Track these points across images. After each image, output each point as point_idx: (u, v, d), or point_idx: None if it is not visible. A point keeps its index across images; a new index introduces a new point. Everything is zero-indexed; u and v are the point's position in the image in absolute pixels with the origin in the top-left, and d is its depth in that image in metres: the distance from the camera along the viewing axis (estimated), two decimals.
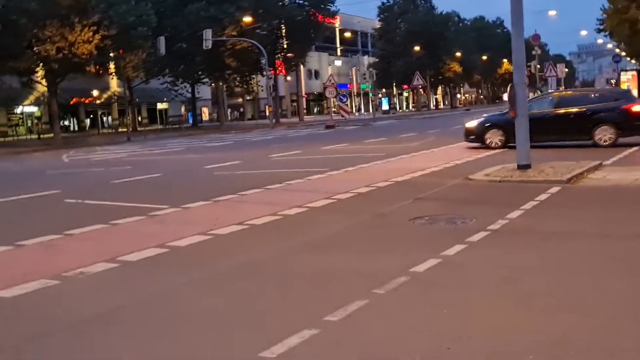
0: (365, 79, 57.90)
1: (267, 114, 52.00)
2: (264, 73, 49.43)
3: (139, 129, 50.62)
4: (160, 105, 62.74)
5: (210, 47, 42.26)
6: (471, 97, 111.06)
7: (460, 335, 4.23)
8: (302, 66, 64.89)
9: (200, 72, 51.92)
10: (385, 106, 76.17)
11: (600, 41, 67.12)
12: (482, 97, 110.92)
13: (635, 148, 15.95)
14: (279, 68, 55.97)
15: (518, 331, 4.27)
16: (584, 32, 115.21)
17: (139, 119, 57.05)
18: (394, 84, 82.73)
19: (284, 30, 53.24)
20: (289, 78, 66.92)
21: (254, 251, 6.98)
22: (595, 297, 4.93)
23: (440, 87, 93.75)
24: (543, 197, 9.48)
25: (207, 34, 41.54)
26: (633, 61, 52.39)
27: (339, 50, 78.47)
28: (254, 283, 5.76)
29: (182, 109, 51.25)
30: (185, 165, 18.69)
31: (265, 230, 8.08)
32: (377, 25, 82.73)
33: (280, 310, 4.96)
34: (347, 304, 4.85)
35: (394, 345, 4.18)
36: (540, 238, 7.04)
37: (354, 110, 79.29)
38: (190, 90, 53.85)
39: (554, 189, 10.11)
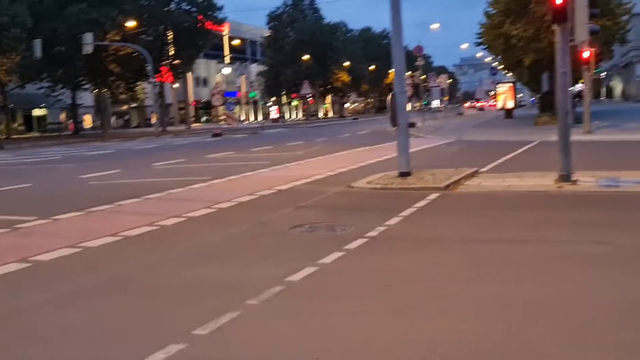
0: (254, 87, 57.70)
1: (153, 121, 50.66)
2: (150, 80, 48.15)
3: (13, 136, 47.84)
4: (37, 112, 59.67)
5: (91, 51, 40.60)
6: (360, 106, 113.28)
7: (331, 346, 4.14)
8: (190, 73, 63.83)
9: (81, 78, 49.77)
10: (274, 114, 76.24)
11: (479, 54, 70.16)
12: (370, 106, 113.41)
13: (515, 153, 16.72)
14: (166, 75, 54.68)
15: (390, 339, 4.23)
16: (465, 46, 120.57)
17: (15, 125, 53.99)
18: (284, 92, 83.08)
19: (170, 37, 52.08)
20: (176, 85, 65.59)
21: (125, 264, 6.63)
22: (465, 302, 4.98)
23: (329, 96, 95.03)
24: (422, 203, 9.65)
25: (87, 37, 39.88)
26: (509, 74, 55.13)
27: (228, 57, 77.82)
28: (120, 298, 5.44)
29: (62, 115, 48.95)
30: (60, 175, 17.76)
31: (140, 242, 7.72)
32: (267, 33, 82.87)
33: (146, 326, 4.69)
34: (218, 316, 4.66)
35: (262, 357, 4.03)
36: (416, 244, 7.11)
37: (242, 119, 78.85)
38: (71, 96, 51.59)
39: (433, 196, 10.33)
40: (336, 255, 6.51)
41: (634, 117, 33.45)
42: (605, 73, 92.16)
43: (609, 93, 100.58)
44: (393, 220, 8.29)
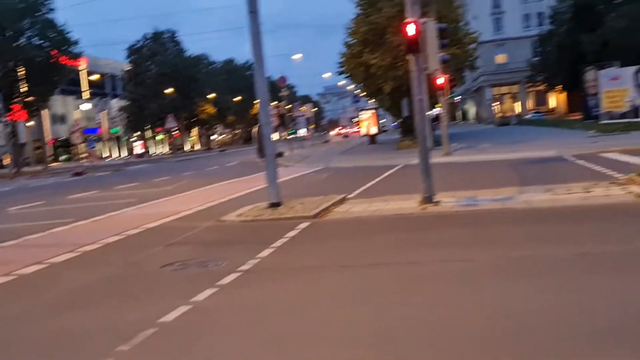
0: (116, 122, 55.96)
1: (6, 163, 47.72)
2: (0, 119, 45.40)
3: None
4: None
5: None
6: (227, 138, 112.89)
7: None
8: (45, 110, 60.87)
9: None
10: (138, 150, 74.21)
11: (342, 83, 72.25)
12: (237, 137, 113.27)
13: (380, 177, 17.25)
14: (18, 113, 51.74)
15: None
16: (327, 75, 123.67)
17: None
18: (148, 126, 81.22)
19: (22, 73, 49.45)
20: (31, 123, 62.27)
21: None
22: (339, 329, 5.04)
23: (195, 129, 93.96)
24: (293, 233, 9.72)
25: None
26: (371, 101, 57.09)
27: (86, 93, 75.03)
28: None
29: None
30: None
31: None
32: (127, 67, 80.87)
33: None
34: None
35: None
36: (289, 274, 7.13)
37: (105, 156, 76.15)
38: None
39: (303, 225, 10.44)
40: (209, 292, 6.40)
41: (487, 138, 35.64)
42: (459, 97, 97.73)
43: (464, 116, 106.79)
44: (265, 252, 8.28)
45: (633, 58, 42.53)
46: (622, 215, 9.15)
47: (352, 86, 49.24)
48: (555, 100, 78.38)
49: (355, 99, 50.14)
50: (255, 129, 12.73)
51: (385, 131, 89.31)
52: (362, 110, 53.26)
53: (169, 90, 74.33)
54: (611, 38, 47.46)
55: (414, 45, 11.24)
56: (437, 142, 28.69)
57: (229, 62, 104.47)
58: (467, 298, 5.65)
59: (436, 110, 37.87)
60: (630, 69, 33.67)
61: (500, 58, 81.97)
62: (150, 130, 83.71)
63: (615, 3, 50.22)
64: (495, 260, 6.94)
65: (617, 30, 46.80)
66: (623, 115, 32.87)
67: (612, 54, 45.55)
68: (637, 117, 32.21)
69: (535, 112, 74.32)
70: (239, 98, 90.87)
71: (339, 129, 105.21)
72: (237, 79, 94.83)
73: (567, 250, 7.08)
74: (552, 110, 78.48)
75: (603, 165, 15.71)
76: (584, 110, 47.34)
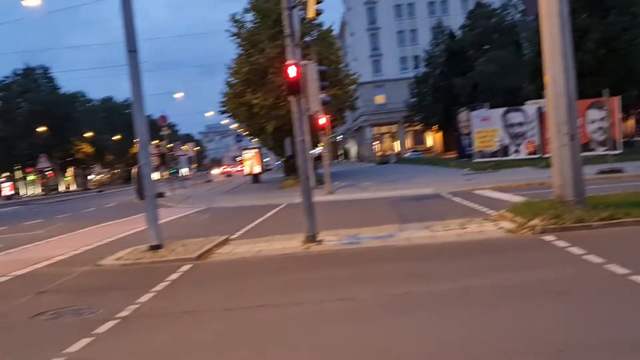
0: None
1: None
2: None
3: None
4: None
5: None
6: (105, 178, 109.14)
7: None
8: None
9: None
10: (7, 191, 70.17)
11: (225, 121, 72.03)
12: (116, 177, 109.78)
13: (264, 217, 17.17)
14: None
15: None
16: (210, 113, 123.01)
17: None
18: (18, 166, 77.14)
19: None
20: None
21: None
22: None
23: (70, 169, 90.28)
24: (174, 276, 9.46)
25: None
26: (255, 140, 57.17)
27: None
28: None
29: None
30: None
31: None
32: None
33: None
34: None
35: None
36: (170, 320, 6.90)
37: None
38: None
39: (185, 267, 10.19)
40: (84, 341, 6.08)
41: (368, 176, 36.53)
42: (341, 136, 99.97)
43: (346, 154, 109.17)
44: (145, 297, 7.99)
45: (501, 100, 45.37)
46: (494, 250, 9.59)
47: (235, 125, 49.12)
48: (432, 139, 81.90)
49: (238, 137, 50.09)
50: (134, 169, 12.24)
51: (269, 170, 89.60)
52: (245, 149, 53.14)
53: (42, 129, 71.13)
54: (481, 81, 50.43)
55: (295, 87, 11.39)
56: (320, 181, 29.07)
57: (108, 100, 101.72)
58: (349, 337, 5.68)
59: (318, 149, 38.49)
60: (499, 111, 35.70)
61: (380, 99, 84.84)
62: (20, 171, 79.58)
63: (485, 49, 53.50)
64: (377, 297, 7.04)
65: (486, 73, 49.80)
66: (494, 154, 34.72)
67: (482, 96, 48.35)
68: (506, 155, 34.13)
69: (414, 151, 77.29)
70: (118, 137, 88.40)
71: (224, 168, 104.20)
72: (116, 117, 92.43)
73: (444, 285, 7.30)
74: (429, 148, 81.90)
75: (476, 202, 16.47)
76: (458, 149, 49.66)
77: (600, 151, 26.15)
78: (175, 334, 6.32)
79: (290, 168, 36.23)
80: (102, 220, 22.25)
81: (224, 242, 12.65)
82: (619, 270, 7.19)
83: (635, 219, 10.34)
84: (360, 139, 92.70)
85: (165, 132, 38.13)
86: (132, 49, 12.06)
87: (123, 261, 11.25)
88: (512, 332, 5.41)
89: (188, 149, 50.64)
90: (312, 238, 11.43)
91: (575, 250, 8.63)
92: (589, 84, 31.16)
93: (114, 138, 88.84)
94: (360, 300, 6.99)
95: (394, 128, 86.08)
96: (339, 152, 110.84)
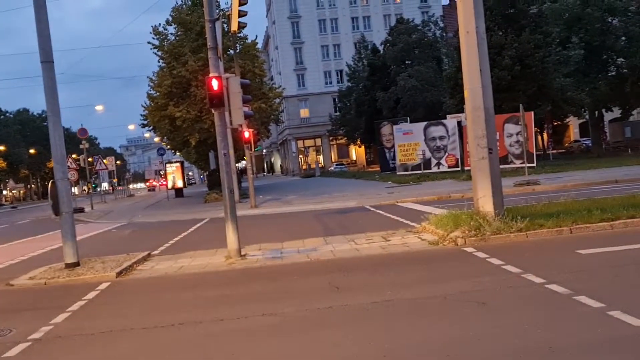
0: None
1: None
2: None
3: None
4: None
5: None
6: (19, 193, 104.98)
7: None
8: None
9: None
10: None
11: (147, 135, 70.56)
12: (32, 192, 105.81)
13: (187, 232, 16.83)
14: None
15: None
16: (131, 127, 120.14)
17: None
18: None
19: None
20: None
21: None
22: None
23: None
24: (92, 295, 9.13)
25: None
26: (177, 153, 56.28)
27: None
28: None
29: None
30: None
31: None
32: None
33: None
34: None
35: None
36: (86, 341, 6.63)
37: None
38: None
39: (104, 285, 9.86)
40: None
41: (293, 190, 36.53)
42: (265, 150, 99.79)
43: (271, 168, 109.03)
44: (60, 317, 7.67)
45: (423, 114, 46.41)
46: (417, 262, 9.71)
47: (158, 138, 48.23)
48: (356, 152, 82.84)
49: (161, 151, 49.06)
50: (50, 184, 11.76)
51: (193, 184, 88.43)
52: (168, 162, 52.21)
53: None
54: (403, 95, 51.40)
55: (218, 100, 11.26)
56: (244, 195, 28.86)
57: (23, 113, 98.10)
58: (270, 352, 5.60)
59: (244, 163, 38.26)
60: (421, 125, 36.50)
61: (304, 112, 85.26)
62: None
63: (407, 64, 54.60)
64: (300, 312, 6.98)
65: (408, 88, 50.81)
66: (416, 167, 35.41)
67: (404, 110, 49.31)
68: (429, 168, 34.87)
69: (338, 164, 77.90)
70: (33, 150, 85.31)
71: (149, 183, 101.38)
72: (32, 130, 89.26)
73: (368, 298, 7.31)
74: (354, 162, 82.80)
75: (400, 215, 16.69)
76: (381, 162, 50.40)
77: (517, 164, 27.05)
78: (91, 355, 6.07)
79: (214, 182, 35.81)
80: (15, 237, 21.33)
81: (145, 259, 12.32)
82: (536, 279, 7.40)
83: (550, 229, 10.71)
84: (285, 152, 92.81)
85: (84, 145, 37.00)
86: (46, 60, 11.65)
87: (37, 280, 10.78)
88: (434, 344, 5.46)
89: (109, 162, 49.34)
90: (235, 253, 11.29)
91: (495, 260, 8.84)
92: (505, 99, 32.30)
93: (30, 151, 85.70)
94: (283, 315, 6.91)
95: (318, 141, 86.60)
96: (264, 166, 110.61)
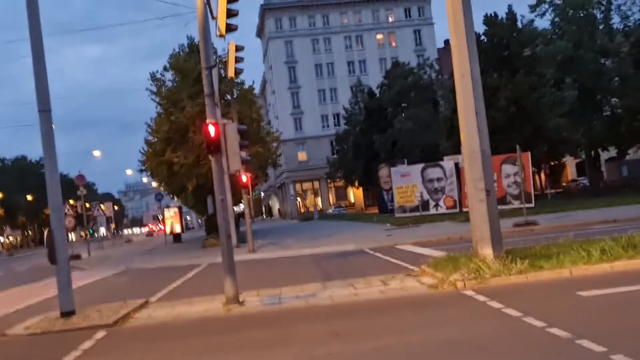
0: None
1: None
2: None
3: None
4: None
5: None
6: (16, 240, 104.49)
7: None
8: None
9: None
10: None
11: (145, 180, 70.72)
12: (30, 239, 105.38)
13: (185, 278, 16.69)
14: None
15: None
16: (129, 172, 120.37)
17: None
18: None
19: None
20: None
21: None
22: None
23: None
24: (87, 345, 8.99)
25: None
26: (175, 198, 56.31)
27: None
28: None
29: None
30: None
31: None
32: None
33: None
34: None
35: None
36: None
37: None
38: None
39: (100, 334, 9.73)
40: None
41: (291, 234, 36.43)
42: (263, 194, 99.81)
43: (269, 211, 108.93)
44: None
45: (419, 156, 46.60)
46: (416, 307, 9.61)
47: (156, 184, 48.29)
48: (354, 194, 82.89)
49: (158, 197, 49.09)
50: (46, 232, 11.72)
51: (191, 229, 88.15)
52: (165, 208, 52.17)
53: None
54: (400, 138, 51.73)
55: (215, 146, 11.30)
56: (242, 239, 28.75)
57: (21, 160, 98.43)
58: None
59: (241, 207, 38.23)
60: (418, 167, 36.58)
61: (302, 155, 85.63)
62: None
63: (403, 107, 55.10)
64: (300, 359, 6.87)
65: (404, 131, 51.17)
66: (414, 209, 35.35)
67: (401, 152, 49.55)
68: (427, 210, 34.82)
69: (337, 207, 77.89)
70: (30, 197, 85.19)
71: (148, 228, 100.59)
72: (29, 176, 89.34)
73: (367, 344, 7.22)
74: (352, 204, 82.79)
75: (398, 258, 16.59)
76: (379, 204, 50.40)
77: (515, 204, 27.03)
78: None
79: (212, 227, 35.68)
80: (11, 285, 21.18)
81: (142, 306, 12.18)
82: (536, 322, 7.31)
83: (550, 270, 10.64)
84: (283, 195, 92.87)
85: (82, 192, 37.00)
86: (44, 109, 11.71)
87: (32, 330, 10.63)
88: None
89: (106, 208, 49.25)
90: (233, 299, 11.18)
91: (494, 304, 8.75)
92: (502, 140, 32.45)
93: (27, 198, 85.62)
94: None
95: (316, 184, 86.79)
96: (262, 209, 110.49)
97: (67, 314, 11.24)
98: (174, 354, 7.98)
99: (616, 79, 42.46)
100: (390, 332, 7.83)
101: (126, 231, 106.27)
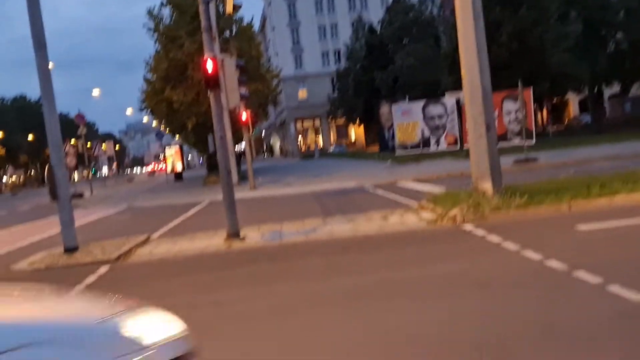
0: None
1: None
2: None
3: None
4: None
5: None
6: (19, 180, 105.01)
7: None
8: None
9: None
10: None
11: (146, 119, 70.35)
12: (32, 178, 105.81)
13: (186, 215, 16.82)
14: None
15: None
16: (130, 111, 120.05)
17: None
18: None
19: None
20: None
21: None
22: None
23: None
24: (91, 279, 9.12)
25: None
26: (176, 137, 56.20)
27: None
28: None
29: None
30: None
31: None
32: None
33: None
34: None
35: None
36: None
37: None
38: None
39: (103, 269, 9.86)
40: None
41: (292, 172, 36.50)
42: (264, 132, 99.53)
43: (270, 150, 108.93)
44: None
45: (420, 92, 46.23)
46: (415, 242, 9.69)
47: (156, 122, 48.13)
48: (355, 132, 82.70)
49: (159, 135, 48.99)
50: (47, 169, 11.75)
51: (192, 168, 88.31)
52: (166, 146, 52.14)
53: None
54: (401, 74, 51.24)
55: (213, 82, 11.18)
56: (243, 177, 28.84)
57: (21, 99, 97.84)
58: (270, 333, 5.58)
59: (243, 145, 38.21)
60: (419, 104, 36.35)
61: (302, 93, 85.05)
62: None
63: (404, 43, 54.37)
64: (299, 293, 6.96)
65: (405, 67, 50.64)
66: (415, 147, 35.32)
67: (403, 89, 49.16)
68: (428, 147, 34.79)
69: (338, 145, 77.83)
70: (31, 137, 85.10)
71: (150, 167, 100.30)
72: (29, 116, 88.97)
73: (366, 278, 7.30)
74: (353, 142, 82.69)
75: (399, 194, 16.66)
76: (380, 142, 50.32)
77: (516, 142, 26.98)
78: None
79: (213, 165, 35.74)
80: (14, 223, 21.35)
81: (144, 242, 12.31)
82: (534, 256, 7.37)
83: (549, 205, 10.68)
84: (284, 134, 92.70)
85: (82, 131, 36.93)
86: (40, 47, 11.55)
87: (36, 265, 10.78)
88: (433, 323, 5.44)
89: (107, 148, 49.28)
90: (234, 235, 11.27)
91: (493, 238, 8.81)
92: (504, 76, 32.14)
93: (27, 138, 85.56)
94: (282, 296, 6.89)
95: (317, 122, 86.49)
96: (263, 148, 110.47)
97: (70, 250, 11.37)
98: (174, 288, 8.09)
99: (622, 12, 41.73)
100: (389, 266, 7.92)
101: (128, 170, 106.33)
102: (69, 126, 51.37)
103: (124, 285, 8.77)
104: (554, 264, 6.88)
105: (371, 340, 5.10)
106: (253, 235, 11.57)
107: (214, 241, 11.41)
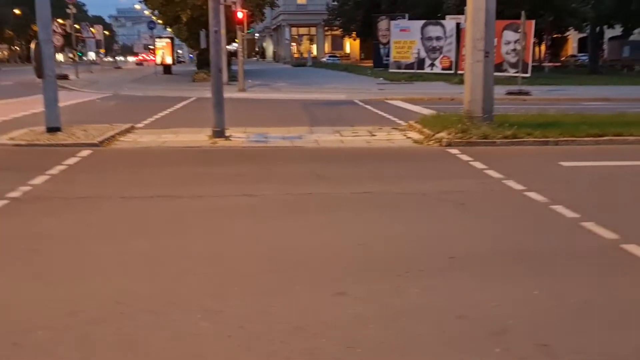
0: None
1: None
2: None
3: None
4: None
5: None
6: (3, 54, 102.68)
7: None
8: None
9: None
10: None
11: (138, 6, 68.37)
12: (16, 54, 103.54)
13: (172, 109, 16.65)
14: None
15: (31, 305, 3.91)
16: None
17: None
18: None
19: None
20: None
21: None
22: (115, 261, 4.80)
23: None
24: (72, 161, 9.08)
25: None
26: (168, 29, 54.82)
27: None
28: None
29: None
30: None
31: None
32: None
33: None
34: None
35: None
36: (65, 204, 6.65)
37: None
38: None
39: (85, 152, 9.81)
40: None
41: (283, 77, 36.03)
42: (258, 34, 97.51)
43: (262, 53, 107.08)
44: (39, 179, 7.64)
45: (422, 12, 45.22)
46: (400, 159, 9.75)
47: (149, 11, 46.75)
48: (350, 45, 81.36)
49: (151, 25, 47.68)
50: (33, 45, 11.32)
51: (182, 62, 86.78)
52: (157, 38, 50.91)
53: None
54: None
55: None
56: (233, 78, 28.45)
57: None
58: (246, 231, 5.64)
59: (235, 45, 37.47)
60: (419, 23, 35.70)
61: None
62: None
63: None
64: (279, 196, 7.00)
65: None
66: (409, 66, 34.91)
67: (404, 6, 48.08)
68: (422, 68, 34.41)
69: (331, 56, 76.58)
70: (18, 11, 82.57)
71: (139, 57, 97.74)
72: None
73: (348, 189, 7.35)
74: (347, 55, 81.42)
75: (388, 112, 16.59)
76: (375, 57, 49.52)
77: (512, 73, 26.75)
78: (70, 218, 6.09)
79: (204, 61, 35.08)
80: None
81: (128, 130, 12.23)
82: (516, 186, 7.44)
83: (536, 139, 10.71)
84: (277, 38, 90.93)
85: (71, 10, 35.86)
86: None
87: (17, 141, 10.69)
88: (409, 237, 5.53)
89: (96, 32, 48.08)
90: (219, 133, 11.21)
91: (478, 164, 8.86)
92: (508, 3, 31.41)
93: (14, 12, 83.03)
94: (262, 197, 6.93)
95: (313, 31, 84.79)
96: (256, 50, 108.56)
97: (52, 129, 11.25)
98: (157, 179, 8.09)
99: None
100: (371, 179, 7.96)
101: (116, 58, 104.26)
102: (58, 4, 49.87)
103: (105, 170, 8.76)
104: (534, 195, 6.96)
105: (345, 247, 5.17)
106: (239, 136, 11.52)
107: (199, 137, 11.35)
